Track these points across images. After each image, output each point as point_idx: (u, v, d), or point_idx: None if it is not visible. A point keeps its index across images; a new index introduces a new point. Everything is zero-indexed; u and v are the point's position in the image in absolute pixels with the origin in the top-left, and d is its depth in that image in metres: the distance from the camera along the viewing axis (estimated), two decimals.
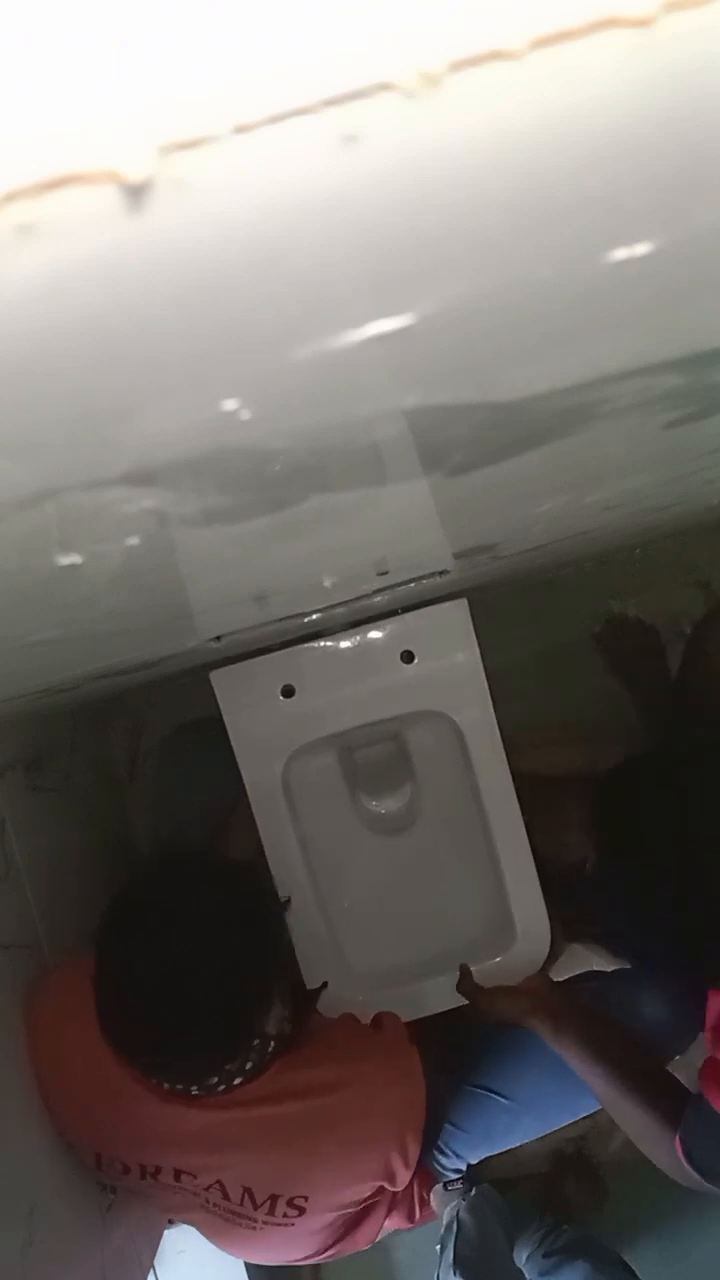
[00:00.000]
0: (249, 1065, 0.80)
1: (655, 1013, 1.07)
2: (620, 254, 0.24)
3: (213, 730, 1.29)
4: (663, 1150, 0.90)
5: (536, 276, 0.25)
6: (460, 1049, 1.11)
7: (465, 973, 1.04)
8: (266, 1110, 0.85)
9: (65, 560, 0.38)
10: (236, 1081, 0.80)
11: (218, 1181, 0.86)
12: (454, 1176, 1.24)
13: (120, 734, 1.46)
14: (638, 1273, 1.16)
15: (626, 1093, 0.93)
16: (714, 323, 0.33)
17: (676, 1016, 1.07)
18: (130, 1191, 0.93)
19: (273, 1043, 0.81)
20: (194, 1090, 0.81)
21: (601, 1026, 1.00)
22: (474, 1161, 1.19)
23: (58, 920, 1.03)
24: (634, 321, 0.31)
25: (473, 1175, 1.34)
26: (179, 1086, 0.81)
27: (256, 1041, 0.79)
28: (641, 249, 0.24)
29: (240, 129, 0.17)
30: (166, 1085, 0.81)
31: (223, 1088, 0.80)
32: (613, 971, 1.17)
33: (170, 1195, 0.89)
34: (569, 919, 1.16)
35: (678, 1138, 0.87)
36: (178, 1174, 0.86)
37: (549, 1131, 1.16)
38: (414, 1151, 0.90)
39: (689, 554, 1.42)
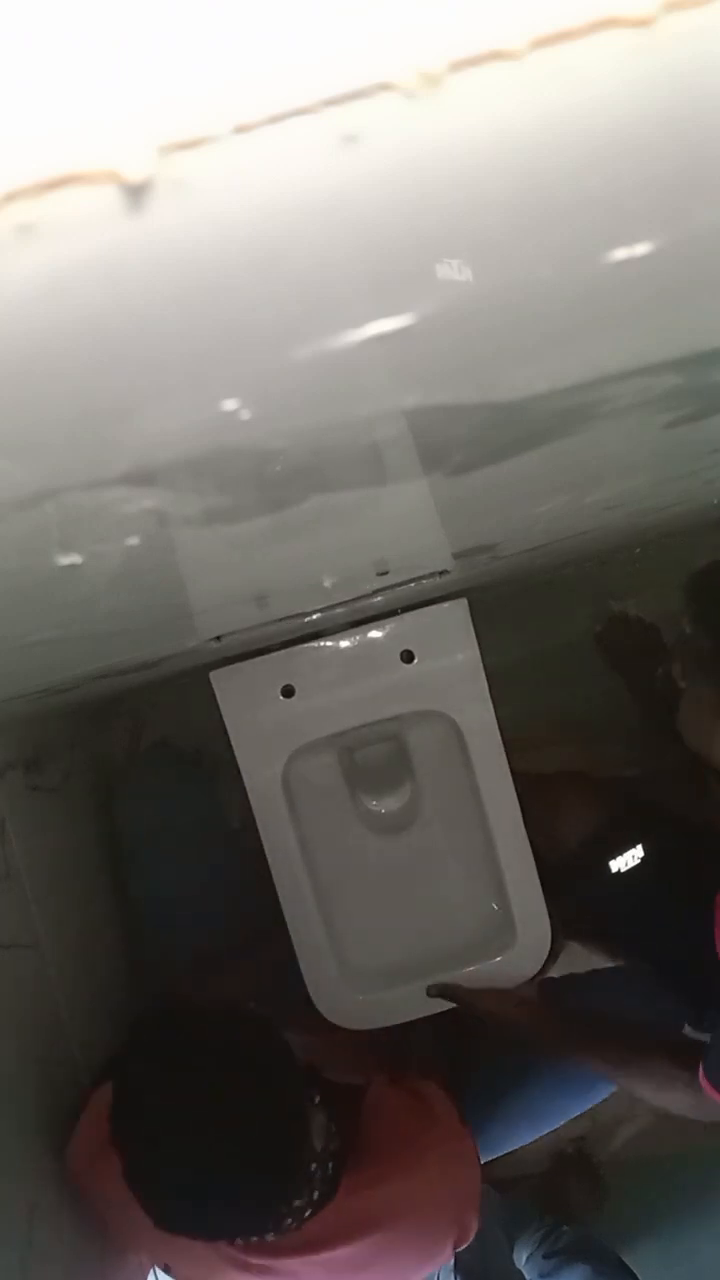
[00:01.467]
0: (316, 1194, 0.78)
1: (643, 1007, 1.08)
2: (620, 254, 0.24)
3: (173, 752, 1.28)
4: (688, 1094, 0.89)
5: (536, 276, 0.25)
6: (452, 1063, 1.11)
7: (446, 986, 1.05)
8: (338, 1252, 0.82)
9: (65, 560, 0.38)
10: (308, 1215, 0.79)
11: None
12: None
13: (120, 734, 1.46)
14: (638, 1274, 1.16)
15: (625, 1059, 0.94)
16: (714, 323, 0.33)
17: (662, 1010, 1.08)
18: None
19: (330, 1163, 0.80)
20: (269, 1237, 0.79)
21: (583, 1013, 1.01)
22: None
23: (57, 920, 1.03)
24: (634, 321, 0.31)
25: None
26: (254, 1239, 0.79)
27: (314, 1166, 0.77)
28: (641, 249, 0.24)
29: (240, 129, 0.17)
30: (241, 1241, 0.80)
31: (295, 1225, 0.78)
32: (592, 971, 1.18)
33: None
34: (569, 918, 1.17)
35: (701, 1071, 0.87)
36: None
37: (548, 1130, 1.17)
38: (475, 1225, 0.89)
39: (689, 554, 1.41)
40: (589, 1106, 1.12)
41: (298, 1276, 0.83)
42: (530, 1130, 1.15)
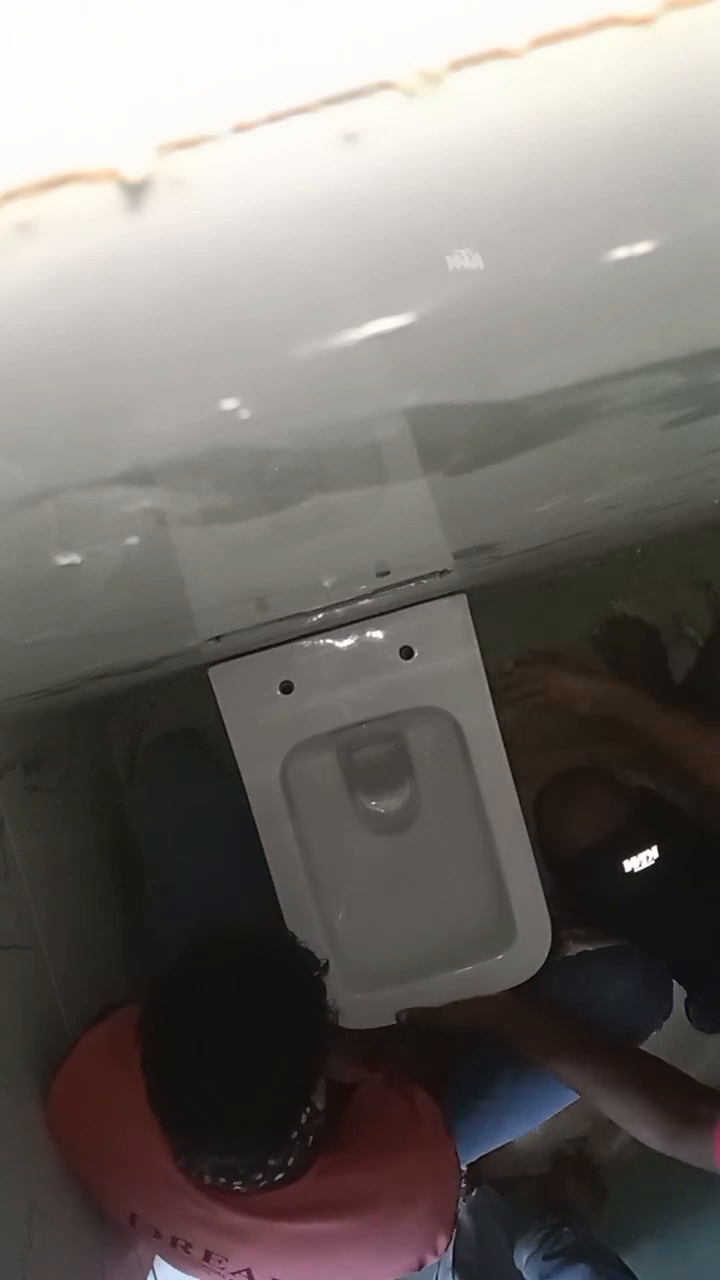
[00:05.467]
0: (290, 1160, 0.79)
1: (628, 989, 1.08)
2: (620, 253, 0.24)
3: (189, 741, 1.28)
4: (674, 1131, 0.88)
5: (536, 275, 0.25)
6: (438, 1056, 1.11)
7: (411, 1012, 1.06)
8: (302, 1226, 0.83)
9: (64, 560, 0.38)
10: (278, 1178, 0.80)
11: (247, 1269, 0.85)
12: None
13: (120, 734, 1.46)
14: (638, 1275, 1.16)
15: (597, 1075, 0.93)
16: (714, 323, 0.33)
17: (648, 992, 1.09)
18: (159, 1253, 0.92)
19: (311, 1137, 0.80)
20: (236, 1186, 0.80)
21: (551, 1016, 1.00)
22: (470, 1162, 1.19)
23: (57, 920, 1.03)
24: (634, 321, 0.31)
25: (473, 1176, 1.34)
26: (221, 1180, 0.80)
27: (295, 1135, 0.78)
28: (642, 248, 0.24)
29: (240, 128, 0.17)
30: (209, 1179, 0.80)
31: (264, 1183, 0.79)
32: (579, 953, 1.18)
33: (198, 1269, 0.88)
34: (585, 914, 1.17)
35: None
36: (208, 1254, 0.85)
37: (537, 1124, 1.17)
38: (444, 1244, 0.89)
39: (689, 554, 1.42)
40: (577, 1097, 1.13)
41: (257, 1242, 0.83)
42: (523, 1122, 1.15)
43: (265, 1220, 0.83)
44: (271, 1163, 0.79)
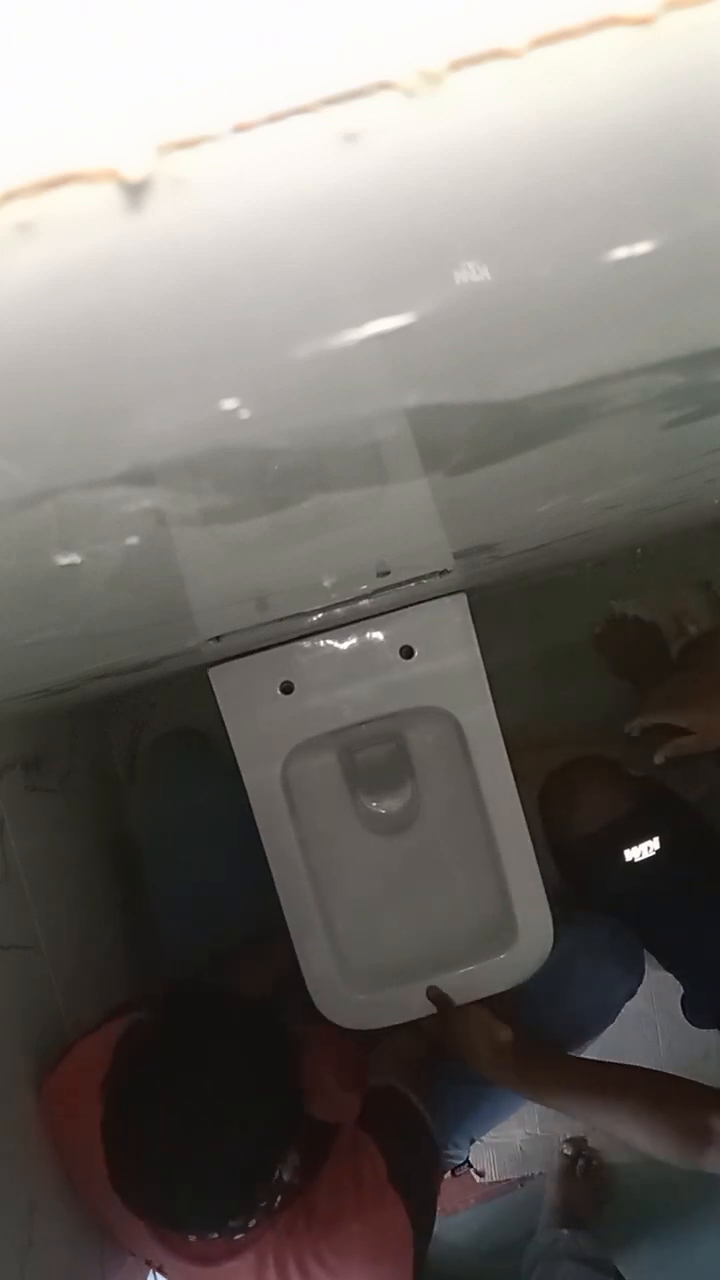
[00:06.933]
0: (250, 1224, 0.79)
1: (600, 960, 1.09)
2: (620, 253, 0.24)
3: (192, 740, 1.28)
4: (703, 1148, 0.87)
5: (536, 275, 0.25)
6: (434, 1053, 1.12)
7: (440, 1002, 1.04)
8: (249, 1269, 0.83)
9: (64, 560, 0.38)
10: (236, 1239, 0.80)
11: None
12: (460, 1163, 1.27)
13: (120, 734, 1.46)
14: (637, 1276, 1.16)
15: (626, 1111, 0.91)
16: (714, 323, 0.33)
17: (619, 956, 1.10)
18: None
19: (279, 1197, 0.80)
20: (190, 1238, 0.80)
21: (572, 1063, 0.99)
22: (477, 1139, 1.21)
23: (57, 920, 1.03)
24: (634, 321, 0.31)
25: None
26: (173, 1233, 0.80)
27: (263, 1202, 0.78)
28: (642, 248, 0.24)
29: (240, 128, 0.17)
30: (159, 1225, 0.80)
31: (217, 1238, 0.79)
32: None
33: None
34: (589, 903, 1.17)
35: None
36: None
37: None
38: None
39: (690, 553, 1.42)
40: None
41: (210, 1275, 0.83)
42: (516, 1100, 1.16)
43: (215, 1266, 0.82)
44: (232, 1224, 0.78)
